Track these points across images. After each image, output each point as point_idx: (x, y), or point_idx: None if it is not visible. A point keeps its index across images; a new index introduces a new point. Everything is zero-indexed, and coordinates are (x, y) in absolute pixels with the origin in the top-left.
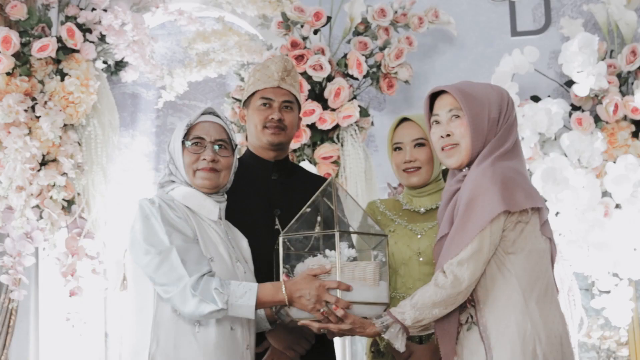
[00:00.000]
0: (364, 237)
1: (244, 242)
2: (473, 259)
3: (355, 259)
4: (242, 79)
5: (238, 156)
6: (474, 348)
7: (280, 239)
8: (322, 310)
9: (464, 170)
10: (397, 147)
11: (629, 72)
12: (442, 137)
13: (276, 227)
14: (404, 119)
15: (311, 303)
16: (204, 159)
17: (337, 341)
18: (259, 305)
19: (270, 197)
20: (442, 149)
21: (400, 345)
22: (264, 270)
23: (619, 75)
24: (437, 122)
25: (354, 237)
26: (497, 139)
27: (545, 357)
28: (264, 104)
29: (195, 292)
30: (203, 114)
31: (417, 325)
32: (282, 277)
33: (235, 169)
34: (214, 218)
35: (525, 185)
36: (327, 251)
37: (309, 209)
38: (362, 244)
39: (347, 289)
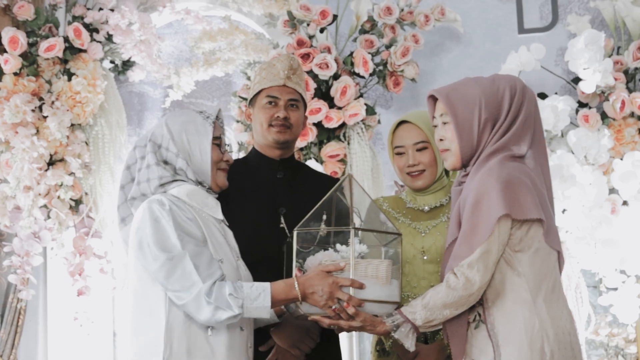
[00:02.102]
0: (376, 234)
1: (231, 235)
2: (482, 260)
3: (365, 255)
4: (248, 78)
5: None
6: (482, 346)
7: (295, 233)
8: (333, 307)
9: (464, 170)
10: (398, 151)
11: (636, 69)
12: (439, 140)
13: (281, 225)
14: (404, 121)
15: (323, 299)
16: (227, 160)
17: (344, 339)
18: (273, 304)
19: (275, 195)
20: (441, 152)
21: (410, 344)
22: (269, 268)
23: (625, 72)
24: (435, 125)
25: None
26: (509, 137)
27: (553, 354)
28: (270, 102)
29: (209, 299)
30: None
31: (427, 325)
32: (294, 271)
33: None
34: (219, 217)
35: (531, 193)
36: (338, 245)
37: (324, 204)
38: (374, 241)
39: (361, 286)
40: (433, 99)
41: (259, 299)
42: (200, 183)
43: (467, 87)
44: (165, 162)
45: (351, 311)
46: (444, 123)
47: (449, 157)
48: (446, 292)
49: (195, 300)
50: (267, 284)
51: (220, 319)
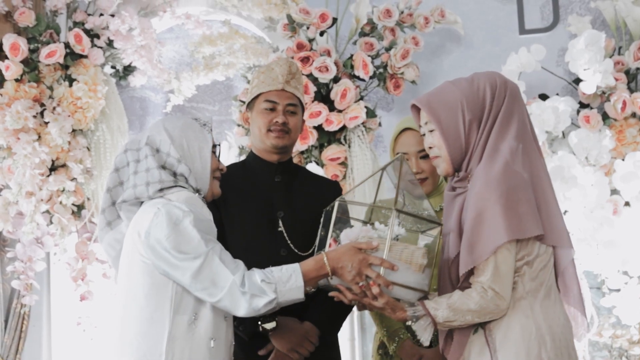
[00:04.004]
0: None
1: None
2: (496, 276)
3: (401, 239)
4: (249, 82)
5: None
6: (480, 351)
7: (336, 203)
8: (360, 284)
9: (457, 175)
10: None
11: (637, 69)
12: (428, 148)
13: (279, 229)
14: (407, 128)
15: (352, 275)
16: (222, 169)
17: (345, 342)
18: (306, 283)
19: (273, 199)
20: (432, 160)
21: (426, 339)
22: None
23: (627, 72)
24: (423, 134)
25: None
26: (495, 134)
27: None
28: (268, 107)
29: (244, 289)
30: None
31: (446, 325)
32: (329, 240)
33: None
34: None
35: (529, 203)
36: (377, 224)
37: (370, 179)
38: (413, 226)
39: (391, 267)
40: (416, 108)
41: (290, 280)
42: (197, 191)
43: (447, 91)
44: (163, 167)
45: (375, 291)
46: (430, 131)
47: (440, 163)
48: (476, 300)
49: (230, 293)
50: (296, 265)
51: (258, 306)
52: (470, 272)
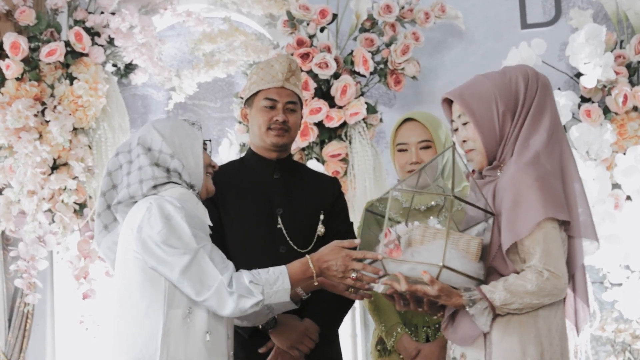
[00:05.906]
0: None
1: None
2: (547, 257)
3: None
4: None
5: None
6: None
7: (391, 193)
8: (353, 276)
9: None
10: (401, 148)
11: (638, 62)
12: (462, 142)
13: (278, 226)
14: (408, 119)
15: (339, 272)
16: (213, 165)
17: (348, 338)
18: (293, 285)
19: (272, 196)
20: (466, 153)
21: (483, 323)
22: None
23: (628, 66)
24: (456, 129)
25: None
26: (528, 126)
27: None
28: (268, 105)
29: (231, 289)
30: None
31: (505, 308)
32: (385, 228)
33: None
34: (209, 223)
35: (560, 196)
36: (416, 223)
37: (425, 167)
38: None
39: (375, 257)
40: (447, 102)
41: (277, 282)
42: (191, 187)
43: (479, 83)
44: (156, 165)
45: (427, 278)
46: (464, 124)
47: (475, 156)
48: (532, 281)
49: (217, 293)
50: (283, 267)
51: (245, 307)
52: (512, 256)
